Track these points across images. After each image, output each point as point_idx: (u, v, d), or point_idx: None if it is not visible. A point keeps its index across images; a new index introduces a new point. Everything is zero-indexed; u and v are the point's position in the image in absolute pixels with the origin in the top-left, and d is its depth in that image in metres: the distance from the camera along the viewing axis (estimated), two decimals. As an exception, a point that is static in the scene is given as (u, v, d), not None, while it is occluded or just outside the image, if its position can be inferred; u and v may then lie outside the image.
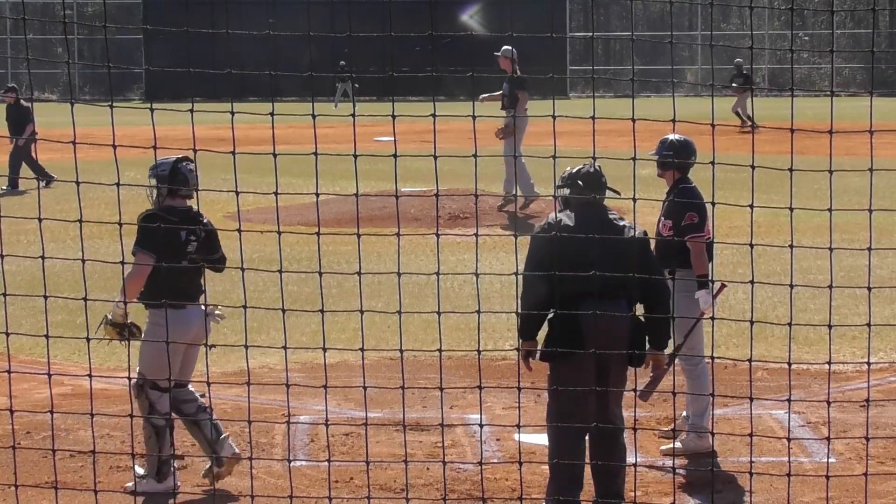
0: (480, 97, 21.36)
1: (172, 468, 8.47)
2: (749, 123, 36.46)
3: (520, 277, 7.22)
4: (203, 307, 8.55)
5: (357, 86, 53.57)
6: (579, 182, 7.77)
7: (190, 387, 8.70)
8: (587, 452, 7.65)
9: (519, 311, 7.57)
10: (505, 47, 21.50)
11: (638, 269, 7.32)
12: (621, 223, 7.64)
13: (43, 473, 8.62)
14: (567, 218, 7.60)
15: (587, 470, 7.66)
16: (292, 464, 8.82)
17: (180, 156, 8.63)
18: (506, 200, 21.66)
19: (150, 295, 8.36)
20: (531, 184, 21.33)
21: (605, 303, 7.33)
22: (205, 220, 8.66)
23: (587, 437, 7.62)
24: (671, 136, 9.34)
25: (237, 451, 8.56)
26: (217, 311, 8.67)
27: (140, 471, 8.51)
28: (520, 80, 21.38)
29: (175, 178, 8.59)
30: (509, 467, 8.88)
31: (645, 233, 7.68)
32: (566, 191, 7.80)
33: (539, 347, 7.65)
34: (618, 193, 7.77)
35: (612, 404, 7.60)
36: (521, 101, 21.10)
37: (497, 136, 20.80)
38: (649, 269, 7.52)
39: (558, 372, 7.50)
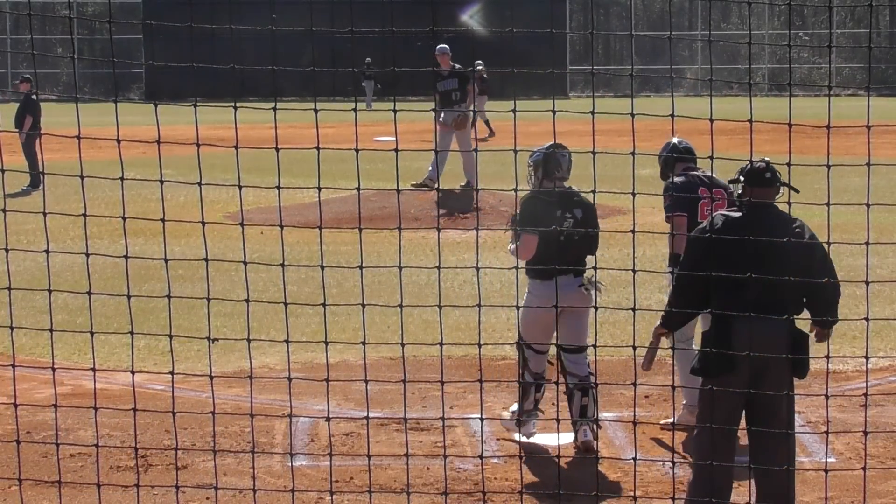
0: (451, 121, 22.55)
1: (533, 422, 9.48)
2: (488, 132, 35.94)
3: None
4: (577, 278, 9.25)
5: (380, 86, 53.51)
6: (741, 179, 7.23)
7: (582, 359, 9.43)
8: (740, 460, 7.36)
9: (666, 306, 7.33)
10: (441, 45, 22.84)
11: (804, 273, 6.91)
12: (793, 224, 7.08)
13: (43, 473, 8.62)
14: (728, 218, 7.12)
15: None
16: (292, 464, 8.84)
17: (555, 142, 9.27)
18: (465, 187, 22.84)
19: (528, 266, 9.35)
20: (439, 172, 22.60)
21: (762, 314, 6.90)
22: (579, 199, 9.39)
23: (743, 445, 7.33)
24: (674, 139, 9.75)
25: (588, 438, 9.31)
26: (585, 281, 9.31)
27: (509, 411, 9.76)
28: (466, 74, 22.34)
29: (548, 163, 9.42)
30: (510, 468, 8.88)
31: (812, 235, 7.14)
32: (738, 190, 7.29)
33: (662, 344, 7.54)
34: (796, 191, 7.22)
35: (779, 412, 7.17)
36: (470, 94, 22.40)
37: (456, 127, 22.06)
38: (819, 271, 7.01)
39: (710, 386, 7.18)
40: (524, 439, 9.46)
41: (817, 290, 7.04)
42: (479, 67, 35.54)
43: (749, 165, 7.24)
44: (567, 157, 9.47)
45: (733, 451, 7.26)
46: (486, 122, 36.35)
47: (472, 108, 22.17)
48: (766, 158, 7.25)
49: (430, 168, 22.91)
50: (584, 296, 9.27)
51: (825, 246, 6.98)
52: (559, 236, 9.17)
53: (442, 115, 22.24)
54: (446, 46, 22.80)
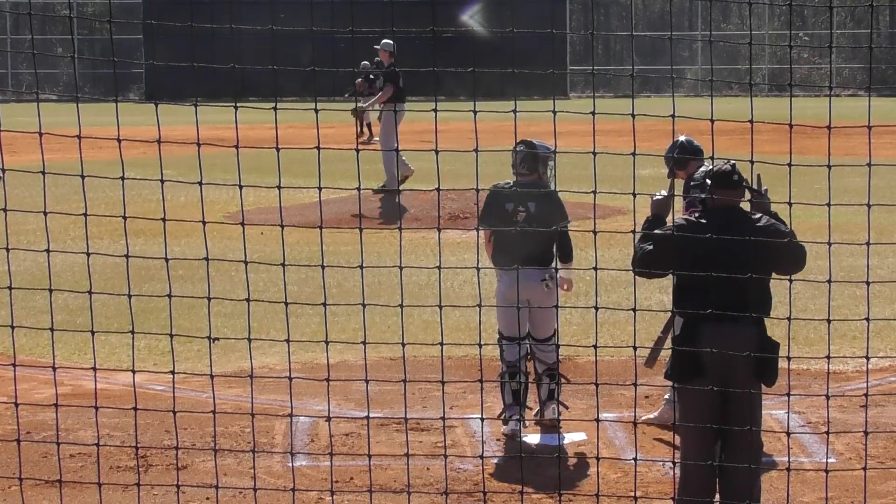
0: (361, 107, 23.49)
1: (518, 416, 9.50)
2: (367, 135, 33.79)
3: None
4: (539, 270, 9.44)
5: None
6: (707, 182, 7.16)
7: (550, 347, 9.68)
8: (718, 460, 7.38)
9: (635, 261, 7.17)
10: (385, 41, 22.66)
11: (774, 262, 6.98)
12: (757, 223, 7.04)
13: (44, 473, 8.62)
14: (694, 222, 7.08)
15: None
16: (292, 464, 8.84)
17: (523, 139, 9.51)
18: (385, 186, 22.66)
19: (494, 261, 9.67)
20: (403, 162, 22.39)
21: (727, 320, 6.92)
22: (536, 193, 9.54)
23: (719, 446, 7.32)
24: (681, 138, 9.72)
25: (554, 416, 9.69)
26: (547, 277, 9.53)
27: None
28: (392, 73, 22.48)
29: (512, 159, 9.60)
30: (510, 468, 8.89)
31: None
32: (701, 194, 7.26)
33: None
34: (759, 194, 7.21)
35: (744, 413, 7.16)
36: (385, 92, 22.43)
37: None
38: (785, 247, 6.99)
39: (683, 391, 7.21)
40: (520, 437, 9.49)
41: (785, 253, 7.00)
42: (365, 64, 33.10)
43: (715, 168, 7.17)
44: (522, 152, 9.58)
45: (713, 452, 7.23)
46: (368, 125, 33.84)
47: (376, 107, 22.13)
48: (732, 161, 7.21)
49: (388, 171, 22.78)
50: (545, 290, 9.51)
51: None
52: (511, 229, 9.45)
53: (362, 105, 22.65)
54: (391, 42, 22.67)
